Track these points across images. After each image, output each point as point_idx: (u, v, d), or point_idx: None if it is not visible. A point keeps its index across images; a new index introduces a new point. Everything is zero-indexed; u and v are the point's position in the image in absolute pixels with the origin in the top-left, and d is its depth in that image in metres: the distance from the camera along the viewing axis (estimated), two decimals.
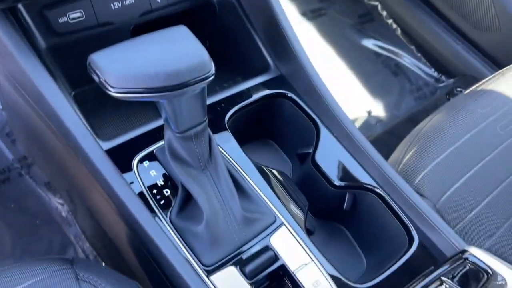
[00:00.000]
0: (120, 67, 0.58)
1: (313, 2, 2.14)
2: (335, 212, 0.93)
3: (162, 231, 0.72)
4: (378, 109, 1.93)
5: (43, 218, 1.35)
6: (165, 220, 0.74)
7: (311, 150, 0.91)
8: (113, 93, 0.58)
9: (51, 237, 1.33)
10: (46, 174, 1.40)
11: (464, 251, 0.75)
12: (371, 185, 0.86)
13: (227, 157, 0.84)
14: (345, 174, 0.88)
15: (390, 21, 2.16)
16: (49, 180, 1.39)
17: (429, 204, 0.98)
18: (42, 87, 0.74)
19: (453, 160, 1.04)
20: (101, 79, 0.59)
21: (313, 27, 2.08)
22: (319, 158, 0.89)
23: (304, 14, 2.10)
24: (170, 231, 0.73)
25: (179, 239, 0.73)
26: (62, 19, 0.82)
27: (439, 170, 1.02)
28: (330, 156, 0.90)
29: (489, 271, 0.71)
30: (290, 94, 0.96)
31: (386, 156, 1.17)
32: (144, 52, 0.60)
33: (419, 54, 2.12)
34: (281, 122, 1.01)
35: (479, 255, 0.73)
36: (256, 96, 0.95)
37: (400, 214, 0.83)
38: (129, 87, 0.58)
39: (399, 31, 2.15)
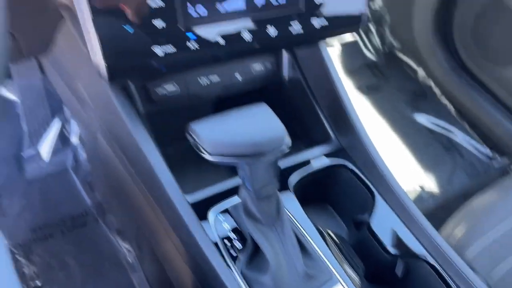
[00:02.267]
0: (215, 136, 0.71)
1: (369, 78, 2.27)
2: (389, 279, 0.98)
3: (234, 280, 0.80)
4: (431, 183, 1.96)
5: (112, 262, 1.46)
6: (235, 270, 0.82)
7: (368, 220, 0.98)
8: (208, 156, 0.71)
9: (117, 280, 1.43)
10: (118, 222, 1.53)
11: None
12: (423, 255, 0.91)
13: (290, 216, 0.92)
14: (399, 243, 0.93)
15: (443, 98, 2.24)
16: (120, 227, 1.53)
17: (480, 278, 1.01)
18: (144, 147, 0.87)
19: (503, 237, 1.06)
20: (198, 144, 0.72)
21: (369, 102, 2.19)
22: (375, 226, 0.96)
23: (360, 88, 2.23)
24: (239, 280, 0.81)
25: None
26: (161, 91, 0.97)
27: (488, 245, 1.05)
28: (385, 225, 0.96)
29: None
30: (350, 166, 1.05)
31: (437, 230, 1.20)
32: (234, 124, 0.73)
33: (472, 131, 2.16)
34: (339, 189, 1.08)
35: None
36: (318, 166, 1.05)
37: (452, 286, 0.87)
38: (221, 153, 0.70)
39: (451, 108, 2.21)
